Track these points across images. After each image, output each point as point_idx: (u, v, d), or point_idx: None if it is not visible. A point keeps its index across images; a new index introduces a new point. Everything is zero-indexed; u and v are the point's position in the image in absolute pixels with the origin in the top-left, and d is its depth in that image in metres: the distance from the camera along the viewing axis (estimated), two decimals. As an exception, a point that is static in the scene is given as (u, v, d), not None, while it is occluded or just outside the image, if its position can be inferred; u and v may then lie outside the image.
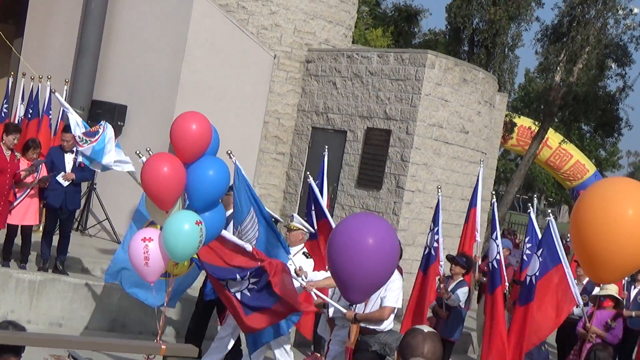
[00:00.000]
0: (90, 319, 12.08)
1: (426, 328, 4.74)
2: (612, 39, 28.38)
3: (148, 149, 9.13)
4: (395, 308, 9.32)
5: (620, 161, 59.34)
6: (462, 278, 11.95)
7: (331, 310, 9.77)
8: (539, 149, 29.04)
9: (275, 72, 17.67)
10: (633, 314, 13.68)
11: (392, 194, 16.14)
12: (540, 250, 10.93)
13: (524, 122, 31.55)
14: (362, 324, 9.23)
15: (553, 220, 11.01)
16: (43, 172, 12.75)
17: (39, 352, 6.21)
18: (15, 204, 12.23)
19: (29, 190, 12.48)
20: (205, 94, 15.77)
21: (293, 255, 10.23)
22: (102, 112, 15.49)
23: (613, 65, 30.59)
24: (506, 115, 24.93)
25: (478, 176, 13.86)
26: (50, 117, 15.32)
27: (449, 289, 11.84)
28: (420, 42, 35.86)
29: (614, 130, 33.82)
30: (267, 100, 17.45)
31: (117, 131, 15.77)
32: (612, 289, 11.97)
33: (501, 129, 22.50)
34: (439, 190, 13.27)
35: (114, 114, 15.62)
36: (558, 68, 27.02)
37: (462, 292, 11.81)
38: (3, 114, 16.57)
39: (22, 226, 12.50)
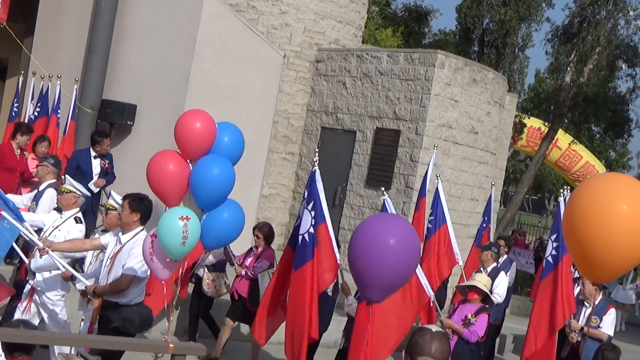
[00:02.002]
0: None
1: (434, 327, 4.74)
2: (622, 39, 28.36)
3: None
4: (135, 277, 8.30)
5: (630, 162, 59.14)
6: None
7: (79, 284, 8.90)
8: (548, 150, 28.98)
9: (285, 72, 17.67)
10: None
11: (401, 194, 16.13)
12: None
13: (534, 123, 31.51)
14: (106, 298, 8.37)
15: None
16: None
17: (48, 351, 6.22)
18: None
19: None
20: (215, 94, 15.79)
21: (64, 220, 9.63)
22: (112, 112, 15.53)
23: (623, 66, 30.59)
24: (516, 116, 24.88)
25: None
26: (59, 116, 15.34)
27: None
28: (430, 43, 35.84)
29: (624, 131, 33.81)
30: (276, 99, 17.46)
31: (127, 131, 15.83)
32: (479, 280, 10.55)
33: (511, 130, 22.46)
34: (438, 177, 13.73)
35: (124, 113, 15.65)
36: (568, 69, 26.97)
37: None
38: (14, 113, 16.61)
39: None
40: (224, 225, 8.05)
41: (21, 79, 17.21)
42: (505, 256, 13.98)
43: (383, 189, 9.72)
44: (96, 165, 12.81)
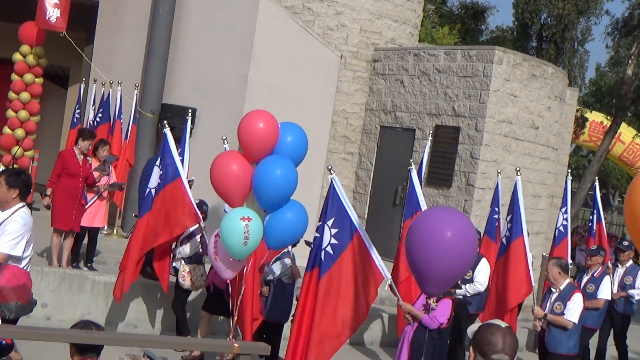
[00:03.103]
0: (163, 320, 12.20)
1: (503, 323, 4.67)
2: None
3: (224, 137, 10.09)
4: (9, 256, 7.38)
5: (695, 155, 57.94)
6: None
7: None
8: (611, 144, 28.55)
9: (342, 72, 17.67)
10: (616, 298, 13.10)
11: (462, 192, 16.01)
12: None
13: (596, 117, 31.05)
14: None
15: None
16: (113, 177, 13.02)
17: (116, 351, 6.28)
18: (86, 207, 12.48)
19: (99, 194, 12.72)
20: (272, 95, 15.84)
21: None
22: (172, 115, 15.64)
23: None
24: (577, 110, 24.57)
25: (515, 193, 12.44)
26: (121, 121, 15.54)
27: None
28: (488, 39, 35.58)
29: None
30: (334, 100, 17.46)
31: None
32: None
33: (572, 124, 22.17)
34: (518, 172, 12.66)
35: (184, 117, 15.76)
36: (629, 61, 26.54)
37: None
38: (76, 120, 16.87)
39: (89, 228, 12.76)
40: (287, 226, 8.07)
41: (82, 86, 17.48)
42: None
43: (330, 167, 9.38)
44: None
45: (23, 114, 17.05)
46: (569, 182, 13.93)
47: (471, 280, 11.73)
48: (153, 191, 10.80)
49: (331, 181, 9.03)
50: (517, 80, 16.19)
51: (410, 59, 17.42)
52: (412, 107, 17.19)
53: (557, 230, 13.83)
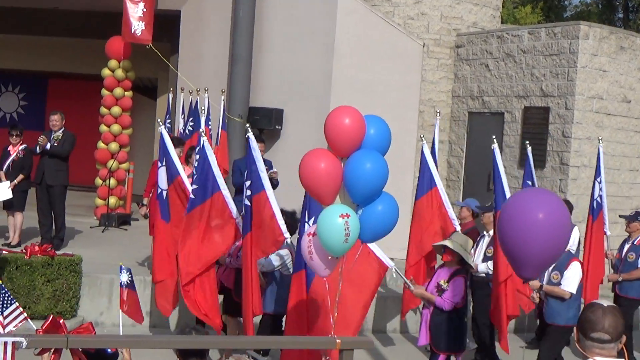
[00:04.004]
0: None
1: (605, 302, 4.62)
2: None
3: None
4: None
5: None
6: None
7: None
8: None
9: (426, 61, 17.57)
10: (620, 278, 11.81)
11: (557, 172, 15.78)
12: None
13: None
14: None
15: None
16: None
17: (214, 354, 6.39)
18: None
19: None
20: (357, 90, 15.84)
21: None
22: (260, 118, 15.78)
23: None
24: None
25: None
26: (210, 128, 15.72)
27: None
28: (572, 15, 34.91)
29: None
30: (420, 89, 17.38)
31: (276, 135, 16.07)
32: (454, 240, 9.42)
33: (666, 95, 21.61)
34: (600, 141, 13.21)
35: (271, 118, 15.89)
36: None
37: None
38: (167, 129, 17.14)
39: None
40: (379, 219, 8.06)
41: (171, 95, 17.75)
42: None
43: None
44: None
45: (115, 127, 17.41)
46: None
47: (491, 258, 10.97)
48: (164, 193, 10.53)
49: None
50: (604, 54, 15.88)
51: (494, 42, 17.24)
52: (499, 90, 17.01)
53: None
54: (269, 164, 13.51)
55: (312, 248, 7.68)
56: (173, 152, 10.63)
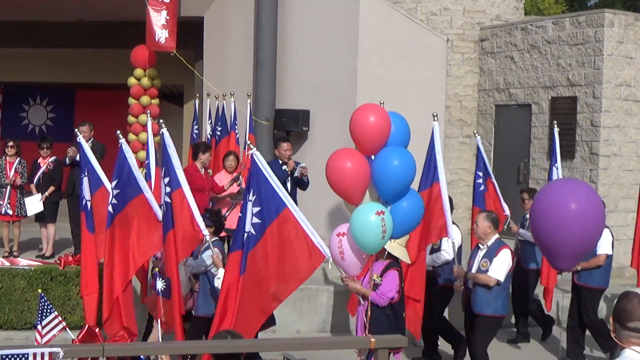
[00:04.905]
0: (300, 322, 12.36)
1: (641, 290, 4.58)
2: None
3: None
4: None
5: None
6: None
7: None
8: None
9: (450, 56, 17.53)
10: (579, 267, 10.94)
11: (587, 162, 15.68)
12: None
13: None
14: None
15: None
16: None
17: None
18: (226, 215, 12.62)
19: (234, 204, 12.91)
20: (383, 88, 15.81)
21: None
22: (287, 120, 15.79)
23: None
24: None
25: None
26: (237, 132, 15.76)
27: None
28: (596, 4, 34.68)
29: None
30: (445, 84, 17.33)
31: (304, 137, 16.08)
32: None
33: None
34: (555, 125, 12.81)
35: (298, 120, 15.89)
36: None
37: None
38: (195, 135, 17.21)
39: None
40: (405, 215, 8.07)
41: (197, 101, 17.82)
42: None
43: (249, 142, 9.00)
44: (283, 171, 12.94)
45: (144, 136, 17.49)
46: None
47: (439, 249, 10.75)
48: (89, 203, 10.17)
49: (251, 157, 8.77)
50: (630, 41, 15.75)
51: (518, 34, 17.16)
52: (525, 82, 16.93)
53: None
54: (295, 164, 13.54)
55: (344, 248, 7.69)
56: (95, 161, 10.24)
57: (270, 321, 9.33)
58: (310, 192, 13.37)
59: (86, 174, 10.28)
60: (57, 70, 22.87)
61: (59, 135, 21.62)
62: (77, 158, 13.77)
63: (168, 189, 9.15)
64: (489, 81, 17.80)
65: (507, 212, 12.20)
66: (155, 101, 17.75)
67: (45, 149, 14.06)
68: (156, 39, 16.59)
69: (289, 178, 12.79)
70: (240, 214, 8.72)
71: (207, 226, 9.16)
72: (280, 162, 12.84)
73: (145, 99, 17.45)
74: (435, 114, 9.92)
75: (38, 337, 8.52)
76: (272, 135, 15.85)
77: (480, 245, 9.83)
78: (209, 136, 16.47)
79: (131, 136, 17.55)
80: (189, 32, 17.90)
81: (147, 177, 10.70)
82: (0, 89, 24.82)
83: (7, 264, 12.11)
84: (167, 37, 16.60)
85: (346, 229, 7.97)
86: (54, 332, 8.51)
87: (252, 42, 16.66)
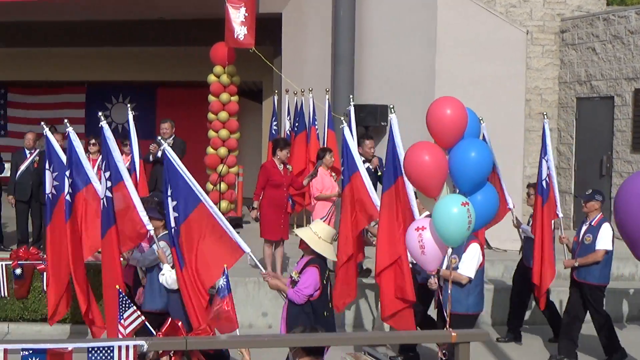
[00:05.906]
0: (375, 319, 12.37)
1: None
2: None
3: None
4: None
5: None
6: None
7: None
8: None
9: (530, 48, 17.32)
10: (576, 263, 10.79)
11: (672, 154, 15.39)
12: None
13: None
14: None
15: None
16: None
17: (336, 351, 6.44)
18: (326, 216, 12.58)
19: (332, 206, 12.91)
20: (461, 81, 15.70)
21: None
22: (365, 115, 15.77)
23: None
24: None
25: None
26: (317, 128, 15.81)
27: None
28: (681, -8, 33.82)
29: None
30: (525, 77, 17.12)
31: (382, 132, 16.05)
32: (310, 227, 8.63)
33: None
34: (545, 116, 11.85)
35: (377, 115, 15.88)
36: None
37: None
38: (273, 132, 17.34)
39: None
40: (480, 208, 8.02)
41: (276, 97, 17.95)
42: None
43: (160, 138, 8.85)
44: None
45: (223, 132, 17.67)
46: None
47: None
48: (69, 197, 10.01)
49: (163, 152, 8.78)
50: None
51: (600, 25, 16.88)
52: (607, 74, 16.64)
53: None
54: (379, 162, 13.52)
55: (424, 242, 7.64)
56: (83, 156, 10.06)
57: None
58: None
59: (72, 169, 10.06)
60: (138, 69, 23.31)
61: (141, 133, 21.97)
62: (159, 155, 14.01)
63: (109, 184, 9.23)
64: (570, 73, 17.55)
65: (511, 205, 11.80)
66: (235, 98, 17.92)
67: (128, 147, 14.31)
68: (235, 36, 16.75)
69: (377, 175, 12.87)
70: (165, 210, 8.82)
71: (157, 219, 9.22)
72: (363, 159, 12.74)
73: (224, 96, 17.64)
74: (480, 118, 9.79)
75: (122, 330, 8.68)
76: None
77: None
78: (287, 132, 16.56)
79: (211, 133, 17.77)
80: (267, 28, 18.04)
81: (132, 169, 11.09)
82: (85, 88, 25.34)
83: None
84: (246, 34, 16.76)
85: (426, 223, 7.95)
86: (135, 325, 8.66)
87: (330, 37, 16.70)
